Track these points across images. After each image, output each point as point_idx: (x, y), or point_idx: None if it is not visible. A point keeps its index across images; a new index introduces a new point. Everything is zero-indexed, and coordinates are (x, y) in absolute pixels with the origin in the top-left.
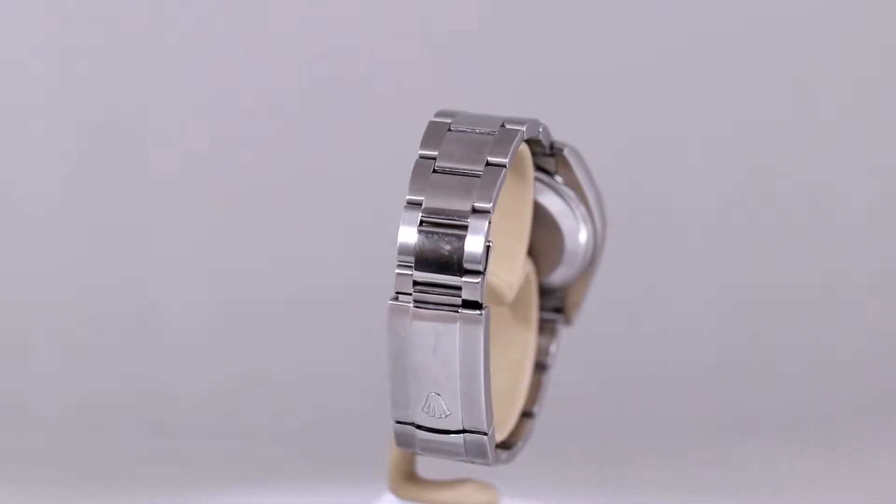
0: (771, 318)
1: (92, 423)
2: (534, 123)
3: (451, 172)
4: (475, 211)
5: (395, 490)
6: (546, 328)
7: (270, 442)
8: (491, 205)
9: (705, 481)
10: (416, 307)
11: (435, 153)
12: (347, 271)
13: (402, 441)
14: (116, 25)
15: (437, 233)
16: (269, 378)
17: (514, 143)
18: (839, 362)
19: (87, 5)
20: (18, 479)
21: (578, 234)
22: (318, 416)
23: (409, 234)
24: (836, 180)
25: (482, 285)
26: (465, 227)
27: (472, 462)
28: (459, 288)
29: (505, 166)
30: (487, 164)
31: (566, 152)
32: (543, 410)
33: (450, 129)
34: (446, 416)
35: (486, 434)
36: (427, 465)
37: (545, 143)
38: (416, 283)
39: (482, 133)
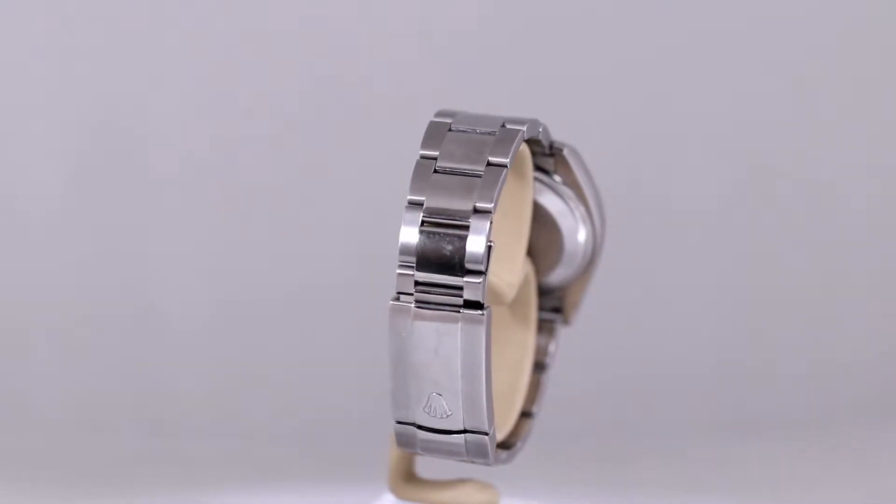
0: (771, 318)
1: (92, 423)
2: (534, 123)
3: (452, 172)
4: (476, 211)
5: (394, 490)
6: (545, 328)
7: (270, 442)
8: (492, 205)
9: (705, 481)
10: (418, 307)
11: (436, 153)
12: (347, 271)
13: (403, 441)
14: (116, 25)
15: (439, 233)
16: (269, 378)
17: (514, 143)
18: (839, 362)
19: (87, 5)
20: (18, 479)
21: (577, 234)
22: (318, 416)
23: (410, 235)
24: (836, 180)
25: (484, 285)
26: (466, 228)
27: (473, 462)
28: (461, 288)
29: (506, 166)
30: (488, 164)
31: (566, 152)
32: (543, 410)
33: (450, 129)
34: (447, 416)
35: (487, 434)
36: (426, 465)
37: (545, 142)
38: (417, 284)
39: (483, 133)
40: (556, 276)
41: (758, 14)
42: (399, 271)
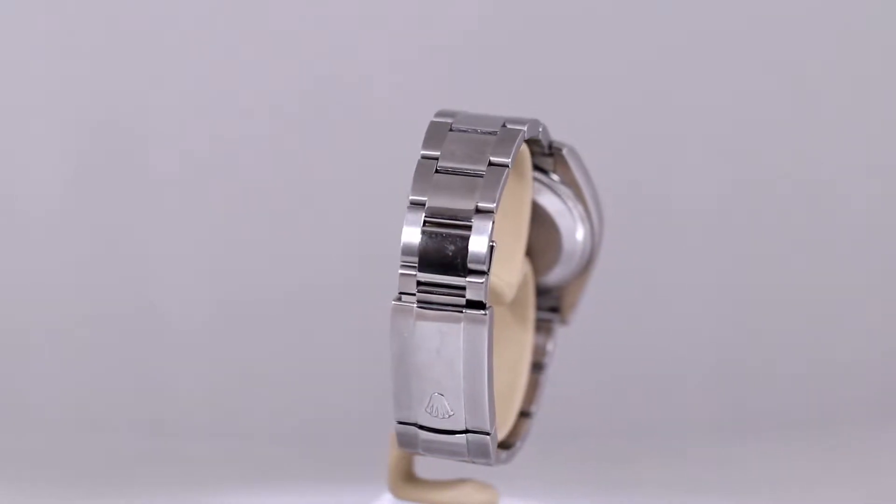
0: (771, 319)
1: (92, 423)
2: (534, 123)
3: (454, 172)
4: (479, 211)
5: (394, 490)
6: (542, 327)
7: (270, 442)
8: (494, 205)
9: (705, 481)
10: (420, 307)
11: (437, 153)
12: (347, 271)
13: (405, 442)
14: (116, 25)
15: (441, 233)
16: (269, 378)
17: (515, 143)
18: (839, 362)
19: (87, 5)
20: (18, 479)
21: (576, 233)
22: (318, 416)
23: (412, 235)
24: (836, 180)
25: (486, 285)
26: (468, 228)
27: (474, 462)
28: (463, 288)
29: (507, 166)
30: (490, 164)
31: (565, 152)
32: (543, 410)
33: (451, 129)
34: (449, 416)
35: (488, 434)
36: (425, 465)
37: (544, 142)
38: (419, 284)
39: (484, 133)
40: (555, 276)
41: (758, 14)
42: (401, 271)
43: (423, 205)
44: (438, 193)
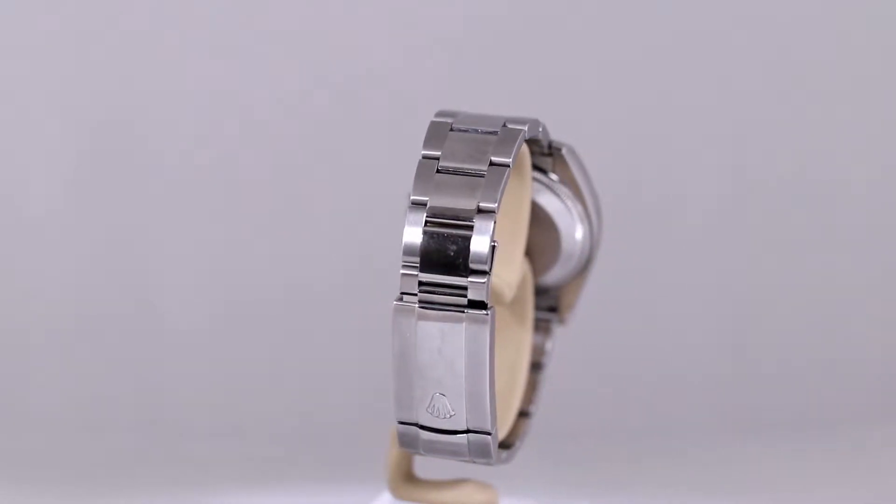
0: (771, 319)
1: (92, 423)
2: (534, 123)
3: (455, 172)
4: (480, 211)
5: (394, 491)
6: (541, 327)
7: (270, 442)
8: (496, 205)
9: (705, 481)
10: (422, 308)
11: (438, 153)
12: (347, 271)
13: (406, 442)
14: (116, 25)
15: (443, 233)
16: (269, 378)
17: (516, 143)
18: (839, 362)
19: (87, 5)
20: (18, 479)
21: (575, 233)
22: (318, 416)
23: (414, 235)
24: (837, 180)
25: (488, 285)
26: (470, 228)
27: (474, 462)
28: (465, 288)
29: (508, 166)
30: (491, 163)
31: (564, 151)
32: (543, 410)
33: (452, 129)
34: (451, 416)
35: (489, 434)
36: (424, 465)
37: (544, 142)
38: (421, 284)
39: (484, 133)
40: (553, 276)
41: (758, 14)
42: (403, 272)
43: (425, 205)
44: (440, 193)
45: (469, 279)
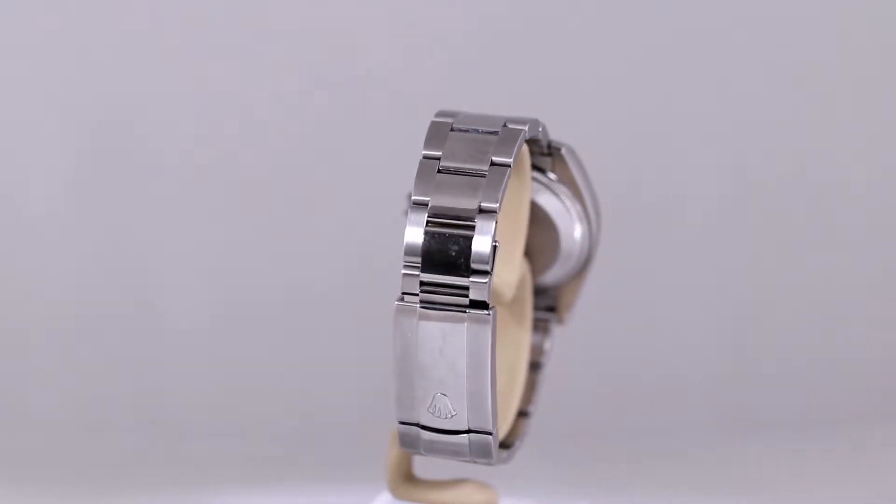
0: (771, 319)
1: (92, 423)
2: (534, 123)
3: (456, 172)
4: (482, 211)
5: (394, 491)
6: (539, 327)
7: (270, 442)
8: (497, 205)
9: (705, 481)
10: (423, 308)
11: (439, 153)
12: (347, 271)
13: (406, 442)
14: (116, 25)
15: (444, 233)
16: (269, 378)
17: (517, 143)
18: (839, 362)
19: (87, 5)
20: (18, 479)
21: (574, 232)
22: (318, 416)
23: (415, 235)
24: (837, 180)
25: (489, 285)
26: (471, 228)
27: (475, 462)
28: (467, 288)
29: (509, 166)
30: (492, 163)
31: (563, 151)
32: (543, 410)
33: (452, 129)
34: (452, 416)
35: (491, 434)
36: (423, 465)
37: (543, 142)
38: (422, 284)
39: (485, 132)
40: (552, 276)
41: (758, 14)
42: (404, 272)
43: (426, 205)
44: (441, 193)
45: (471, 279)
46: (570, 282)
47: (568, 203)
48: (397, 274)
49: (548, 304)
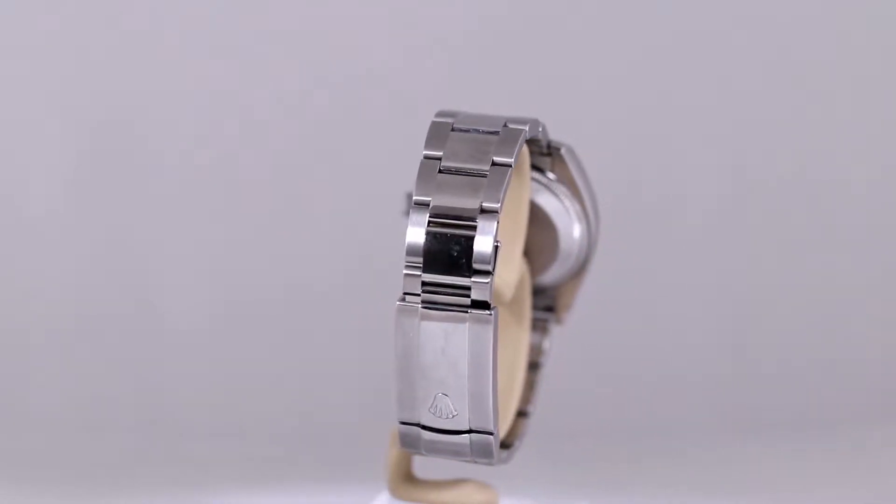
0: (771, 319)
1: (92, 423)
2: (534, 123)
3: (458, 172)
4: (483, 211)
5: (394, 491)
6: (538, 326)
7: (270, 442)
8: (499, 205)
9: (705, 481)
10: (425, 308)
11: (440, 153)
12: (347, 271)
13: (407, 442)
14: (116, 25)
15: (446, 234)
16: (269, 378)
17: (518, 143)
18: (839, 362)
19: (87, 5)
20: (18, 479)
21: (573, 232)
22: (318, 416)
23: (417, 235)
24: (837, 180)
25: (491, 285)
26: (473, 228)
27: (476, 462)
28: (469, 288)
29: (510, 166)
30: (493, 163)
31: (563, 151)
32: (543, 410)
33: (453, 129)
34: (453, 416)
35: (492, 434)
36: (423, 465)
37: (543, 142)
38: (424, 284)
39: (485, 133)
40: (551, 275)
41: (758, 14)
42: (406, 272)
43: (428, 205)
44: (442, 193)
45: (472, 279)
46: (568, 282)
47: (567, 203)
48: (397, 274)
49: (546, 304)
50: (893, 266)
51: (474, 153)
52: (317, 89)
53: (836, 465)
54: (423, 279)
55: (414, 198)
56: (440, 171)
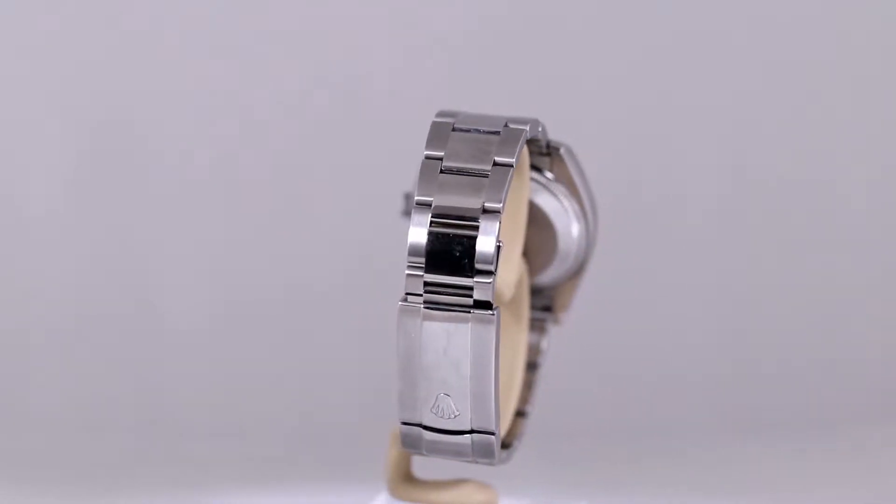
0: (771, 319)
1: (92, 423)
2: (535, 123)
3: (459, 172)
4: (485, 211)
5: (394, 491)
6: (535, 326)
7: (270, 442)
8: (501, 205)
9: (705, 481)
10: (427, 308)
11: (441, 153)
12: (348, 271)
13: (409, 442)
14: (116, 25)
15: (448, 234)
16: (269, 378)
17: (519, 143)
18: (839, 362)
19: (87, 5)
20: (18, 479)
21: (571, 231)
22: (318, 416)
23: (419, 235)
24: (836, 180)
25: (493, 285)
26: (475, 228)
27: (476, 462)
28: (471, 288)
29: (512, 166)
30: (495, 163)
31: (562, 151)
32: (542, 410)
33: (454, 129)
34: (455, 416)
35: (493, 434)
36: (422, 465)
37: (542, 142)
38: (426, 284)
39: (487, 132)
40: (549, 275)
41: (758, 14)
42: (408, 272)
43: (430, 205)
44: (444, 193)
45: (475, 279)
46: (566, 282)
47: (565, 202)
48: (398, 274)
49: (544, 304)
50: (893, 266)
51: (475, 153)
52: (317, 89)
53: (836, 465)
54: (426, 279)
55: (416, 198)
56: (442, 172)
